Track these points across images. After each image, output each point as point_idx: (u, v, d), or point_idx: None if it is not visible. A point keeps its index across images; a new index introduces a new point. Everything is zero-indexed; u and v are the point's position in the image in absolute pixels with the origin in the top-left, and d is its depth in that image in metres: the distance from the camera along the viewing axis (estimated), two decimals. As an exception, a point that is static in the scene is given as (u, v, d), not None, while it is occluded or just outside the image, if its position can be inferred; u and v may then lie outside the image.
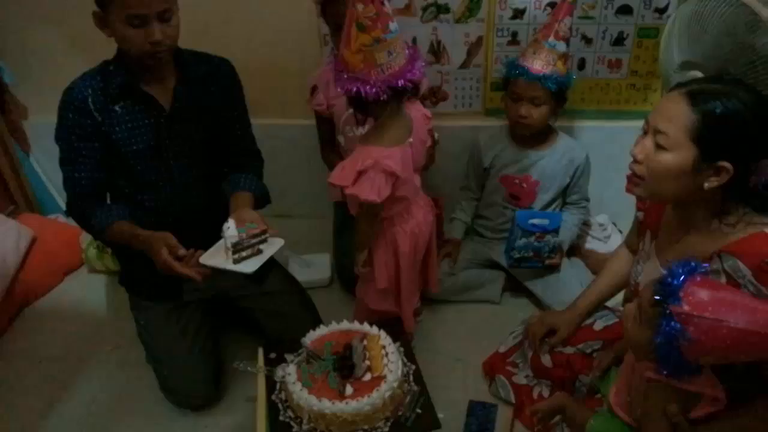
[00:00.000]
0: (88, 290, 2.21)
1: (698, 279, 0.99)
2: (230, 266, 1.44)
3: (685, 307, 0.95)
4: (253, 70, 1.98)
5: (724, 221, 1.14)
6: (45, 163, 2.51)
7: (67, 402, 1.76)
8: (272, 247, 1.50)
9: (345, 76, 1.37)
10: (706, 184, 1.10)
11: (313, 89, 2.03)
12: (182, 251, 1.45)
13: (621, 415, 1.22)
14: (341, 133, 2.06)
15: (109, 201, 1.66)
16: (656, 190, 1.17)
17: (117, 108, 1.53)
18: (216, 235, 1.48)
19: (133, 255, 1.57)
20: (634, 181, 1.20)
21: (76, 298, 2.18)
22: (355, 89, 1.36)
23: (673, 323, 0.96)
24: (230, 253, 1.43)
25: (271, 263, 1.81)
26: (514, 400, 1.61)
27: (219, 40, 1.91)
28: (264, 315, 1.79)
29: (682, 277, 0.98)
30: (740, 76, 1.58)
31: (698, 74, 1.64)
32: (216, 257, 1.46)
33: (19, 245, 2.13)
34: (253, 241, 1.46)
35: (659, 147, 1.13)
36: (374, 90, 1.35)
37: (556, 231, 1.93)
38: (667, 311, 0.97)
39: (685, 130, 1.09)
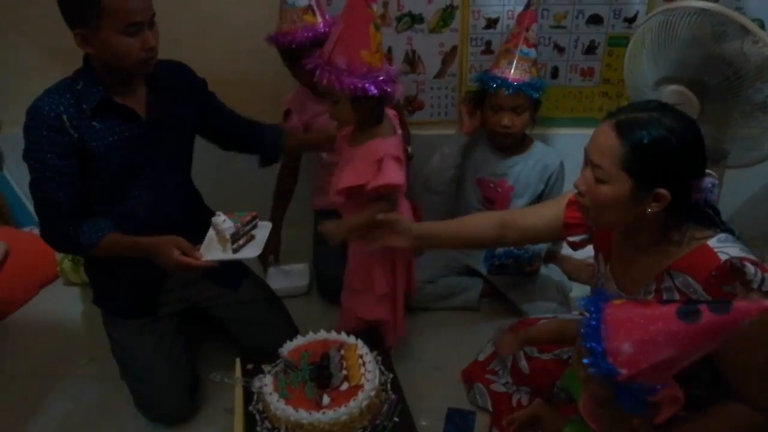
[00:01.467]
0: (64, 303, 2.18)
1: (610, 324, 0.98)
2: (234, 255, 1.49)
3: (624, 371, 0.95)
4: (229, 81, 1.98)
5: (670, 239, 1.17)
6: (19, 176, 2.47)
7: (41, 418, 1.72)
8: (263, 230, 1.56)
9: (370, 78, 1.37)
10: (648, 210, 1.13)
11: (287, 113, 2.02)
12: (198, 254, 1.45)
13: (593, 426, 1.23)
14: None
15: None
16: (601, 219, 1.21)
17: (95, 123, 1.50)
18: (197, 240, 1.50)
19: (105, 271, 1.55)
20: (581, 210, 1.25)
21: (52, 311, 2.15)
22: (387, 88, 1.39)
23: (627, 392, 0.97)
24: (229, 243, 1.48)
25: (245, 270, 1.82)
26: (491, 408, 1.62)
27: (194, 53, 1.91)
28: (238, 325, 1.79)
29: (595, 338, 0.97)
30: (717, 87, 1.63)
31: (681, 88, 1.68)
32: (214, 251, 1.49)
33: (-9, 260, 2.10)
34: (247, 228, 1.52)
35: (598, 180, 1.15)
36: (394, 84, 1.40)
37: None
38: (614, 384, 0.97)
39: (617, 163, 1.11)
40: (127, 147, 1.55)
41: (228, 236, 1.47)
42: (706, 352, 0.98)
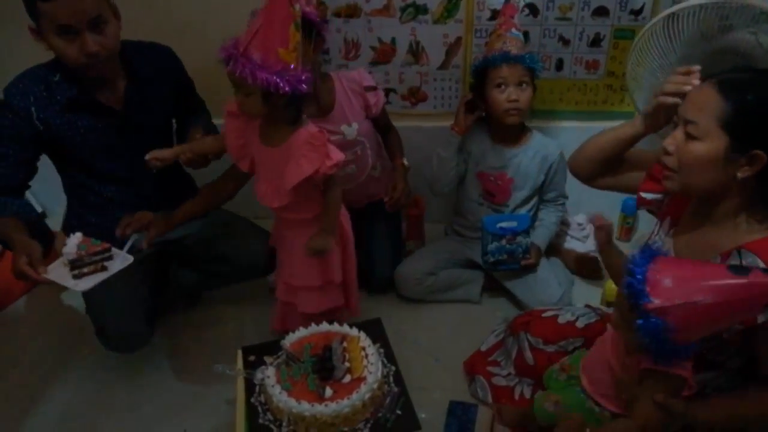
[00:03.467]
0: (66, 293, 2.17)
1: (657, 265, 1.01)
2: (68, 282, 1.42)
3: (656, 301, 0.97)
4: (217, 70, 1.97)
5: (753, 216, 1.14)
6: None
7: (43, 407, 1.73)
8: (118, 263, 1.48)
9: (284, 75, 1.35)
10: (739, 174, 1.10)
11: None
12: (42, 268, 1.40)
13: (603, 403, 1.26)
14: None
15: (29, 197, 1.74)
16: (688, 181, 1.15)
17: (68, 115, 1.55)
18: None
19: (78, 204, 1.69)
20: (666, 174, 1.19)
21: (53, 300, 2.14)
22: (300, 86, 1.37)
23: (651, 320, 0.97)
24: (68, 269, 1.42)
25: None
26: (491, 400, 1.62)
27: (196, 40, 1.89)
28: (213, 241, 1.85)
29: (641, 273, 0.99)
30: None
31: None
32: (59, 270, 1.44)
33: (-8, 249, 2.09)
34: (95, 258, 1.45)
35: (690, 137, 1.12)
36: (309, 85, 1.40)
37: (526, 232, 1.95)
38: (642, 310, 0.98)
39: (715, 119, 1.08)
40: (101, 138, 1.60)
41: (67, 261, 1.42)
42: (741, 315, 0.99)
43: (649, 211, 1.42)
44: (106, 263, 1.46)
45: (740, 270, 0.97)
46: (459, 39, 2.13)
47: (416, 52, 2.16)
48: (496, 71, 1.86)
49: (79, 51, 1.43)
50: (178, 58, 1.77)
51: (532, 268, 2.02)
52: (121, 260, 1.47)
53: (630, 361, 1.17)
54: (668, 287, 0.98)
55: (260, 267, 1.88)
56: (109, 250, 1.46)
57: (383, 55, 2.15)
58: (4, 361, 1.90)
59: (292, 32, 1.33)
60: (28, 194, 2.43)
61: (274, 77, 1.33)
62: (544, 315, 1.60)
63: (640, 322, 0.99)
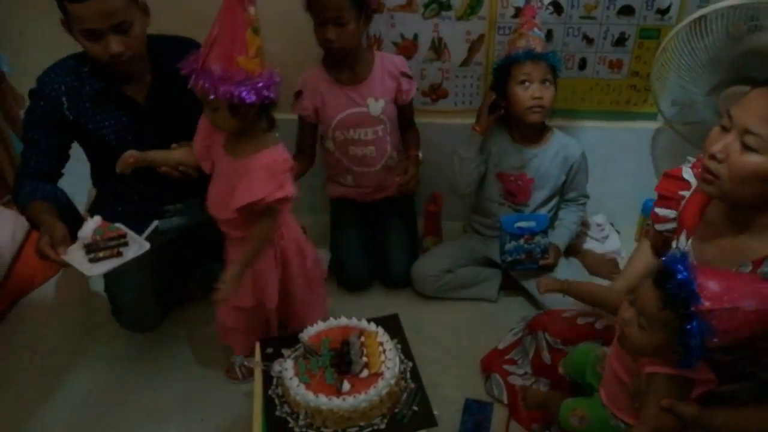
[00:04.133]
0: (86, 280, 2.19)
1: (698, 270, 1.00)
2: (82, 266, 1.42)
3: (706, 304, 0.97)
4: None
5: None
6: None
7: (62, 393, 1.75)
8: (133, 250, 1.47)
9: (248, 85, 1.29)
10: None
11: (298, 94, 2.00)
12: (61, 249, 1.42)
13: (623, 417, 1.24)
14: (330, 137, 2.04)
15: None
16: (734, 191, 1.10)
17: (95, 107, 1.59)
18: None
19: (106, 192, 1.72)
20: (707, 178, 1.13)
21: (74, 287, 2.16)
22: (267, 94, 1.32)
23: (698, 322, 0.97)
24: (83, 252, 1.43)
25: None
26: (506, 401, 1.62)
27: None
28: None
29: (689, 275, 0.98)
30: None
31: (744, 88, 1.65)
32: (76, 252, 1.44)
33: (15, 236, 2.12)
34: (110, 243, 1.45)
35: (747, 147, 1.06)
36: (276, 91, 1.34)
37: (544, 232, 1.94)
38: (688, 312, 0.97)
39: None
40: (125, 130, 1.63)
41: (82, 245, 1.42)
42: None
43: (663, 233, 1.40)
44: (121, 249, 1.46)
45: None
46: (482, 36, 2.12)
47: (438, 48, 2.16)
48: (519, 68, 1.85)
49: (104, 51, 1.47)
50: None
51: (550, 268, 2.01)
52: (137, 247, 1.47)
53: (636, 366, 1.17)
54: (716, 291, 0.98)
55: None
56: (124, 236, 1.46)
57: (405, 50, 2.14)
58: (27, 346, 1.93)
59: (249, 38, 1.26)
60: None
61: (237, 88, 1.27)
62: (563, 315, 1.60)
63: (690, 324, 0.98)
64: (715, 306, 0.97)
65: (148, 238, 1.51)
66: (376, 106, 1.97)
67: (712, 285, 0.98)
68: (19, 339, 1.96)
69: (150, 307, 1.76)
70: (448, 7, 2.07)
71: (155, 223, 1.54)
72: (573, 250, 2.18)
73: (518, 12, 2.06)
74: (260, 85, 1.30)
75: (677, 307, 1.00)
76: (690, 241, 1.27)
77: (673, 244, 1.33)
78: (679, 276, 0.99)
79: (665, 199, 1.37)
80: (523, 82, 1.85)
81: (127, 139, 1.64)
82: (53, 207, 1.57)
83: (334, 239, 2.21)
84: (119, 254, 1.46)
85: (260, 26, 1.28)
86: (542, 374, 1.59)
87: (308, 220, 2.40)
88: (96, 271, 1.42)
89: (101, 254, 1.44)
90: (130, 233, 1.48)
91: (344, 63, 1.95)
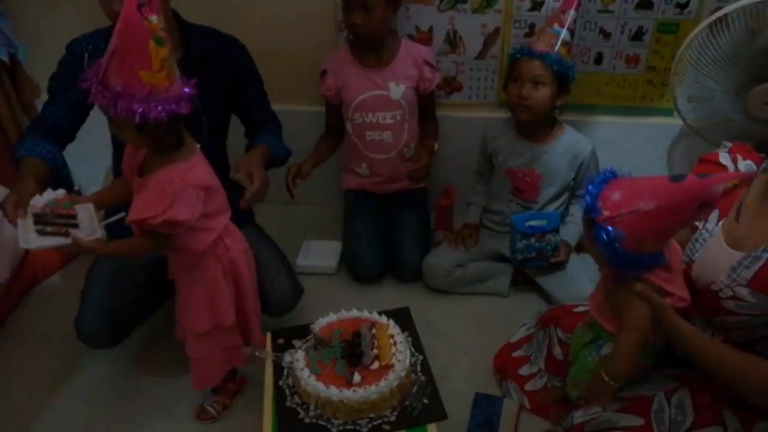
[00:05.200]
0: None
1: (611, 184, 1.11)
2: (26, 235, 1.30)
3: (605, 213, 1.07)
4: (267, 54, 1.97)
5: None
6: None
7: (75, 380, 1.77)
8: (82, 234, 1.31)
9: (152, 101, 1.18)
10: None
11: (323, 73, 2.03)
12: (21, 211, 1.32)
13: (601, 321, 1.31)
14: (349, 120, 2.06)
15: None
16: None
17: None
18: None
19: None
20: None
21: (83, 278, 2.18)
22: (173, 109, 1.21)
23: (602, 231, 1.07)
24: (31, 221, 1.32)
25: (244, 220, 1.81)
26: (529, 405, 1.61)
27: (235, 22, 1.90)
28: None
29: (595, 191, 1.10)
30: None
31: None
32: (29, 219, 1.32)
33: (30, 223, 2.14)
34: (58, 220, 1.32)
35: None
36: (187, 104, 1.24)
37: (556, 230, 1.93)
38: (595, 223, 1.09)
39: None
40: None
41: (30, 213, 1.31)
42: (684, 216, 1.08)
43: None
44: (70, 230, 1.32)
45: (678, 177, 1.07)
46: (497, 29, 2.11)
47: (453, 41, 2.15)
48: (516, 64, 1.86)
49: (109, 8, 1.44)
50: (244, 52, 1.76)
51: (561, 264, 2.00)
52: (87, 233, 1.32)
53: (606, 274, 1.25)
54: (617, 200, 1.08)
55: (286, 305, 1.78)
56: (74, 217, 1.32)
57: (420, 43, 2.13)
58: (40, 334, 1.95)
59: (152, 50, 1.15)
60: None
61: (139, 106, 1.17)
62: (575, 310, 1.59)
63: (594, 234, 1.09)
64: (614, 213, 1.06)
65: (113, 227, 1.39)
66: (397, 90, 1.99)
67: (616, 195, 1.08)
68: (33, 326, 1.99)
69: (100, 328, 1.66)
70: (464, 0, 2.06)
71: (121, 213, 1.37)
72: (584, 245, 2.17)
73: (535, 5, 2.04)
74: (167, 100, 1.20)
75: (585, 218, 1.12)
76: (721, 222, 1.26)
77: (699, 225, 1.31)
78: (588, 188, 1.11)
79: None
80: (515, 79, 1.85)
81: None
82: (45, 168, 1.52)
83: (347, 231, 2.21)
84: (66, 234, 1.31)
85: (165, 35, 1.17)
86: (554, 372, 1.58)
87: (321, 212, 2.42)
88: (34, 244, 1.30)
89: (48, 229, 1.32)
90: (90, 218, 1.34)
91: (369, 47, 1.98)
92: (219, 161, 1.76)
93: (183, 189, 1.28)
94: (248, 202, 1.56)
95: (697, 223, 1.32)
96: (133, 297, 1.70)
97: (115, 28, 1.14)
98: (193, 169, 1.32)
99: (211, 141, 1.71)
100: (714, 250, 1.23)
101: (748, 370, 1.11)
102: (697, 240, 1.29)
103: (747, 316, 1.15)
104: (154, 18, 1.14)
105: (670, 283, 1.17)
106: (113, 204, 1.45)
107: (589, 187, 1.12)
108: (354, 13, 1.85)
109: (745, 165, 1.30)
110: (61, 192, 1.36)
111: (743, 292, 1.14)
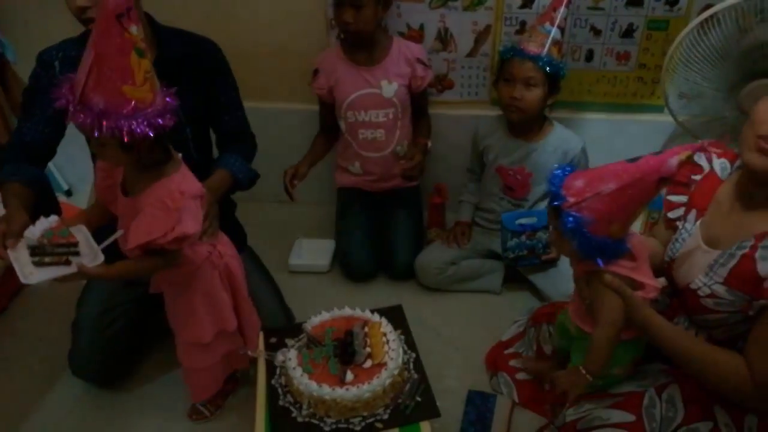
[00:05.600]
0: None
1: (573, 174, 1.15)
2: (24, 268, 1.23)
3: (570, 199, 1.10)
4: (258, 53, 1.97)
5: None
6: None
7: (67, 379, 1.75)
8: (85, 261, 1.24)
9: (138, 117, 1.12)
10: None
11: (315, 72, 2.03)
12: (11, 242, 1.25)
13: (578, 324, 1.33)
14: (342, 118, 2.06)
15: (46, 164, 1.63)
16: None
17: None
18: None
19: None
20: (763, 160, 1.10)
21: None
22: (160, 123, 1.15)
23: (568, 217, 1.10)
24: (27, 253, 1.24)
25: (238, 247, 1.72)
26: (517, 399, 1.61)
27: (224, 22, 1.90)
28: None
29: (559, 181, 1.13)
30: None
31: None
32: (21, 251, 1.25)
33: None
34: (59, 250, 1.24)
35: None
36: (172, 116, 1.19)
37: (546, 227, 1.93)
38: (560, 210, 1.11)
39: None
40: None
41: (27, 245, 1.23)
42: (642, 194, 1.10)
43: (673, 221, 1.39)
44: (72, 258, 1.24)
45: (636, 158, 1.11)
46: (488, 27, 2.11)
47: (445, 38, 2.14)
48: (507, 64, 1.86)
49: (73, 2, 1.39)
50: (219, 54, 1.69)
51: (553, 262, 2.00)
52: (90, 258, 1.25)
53: (577, 270, 1.27)
54: (580, 186, 1.11)
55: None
56: (75, 244, 1.24)
57: (411, 40, 2.12)
58: (30, 335, 1.94)
59: (134, 63, 1.09)
60: (54, 169, 2.51)
61: (126, 123, 1.10)
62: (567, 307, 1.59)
63: (560, 222, 1.11)
64: (579, 198, 1.10)
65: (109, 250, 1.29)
66: (389, 88, 1.99)
67: (578, 183, 1.12)
68: (23, 327, 1.98)
69: (96, 365, 1.66)
70: (455, -3, 2.06)
71: (120, 232, 1.31)
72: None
73: (526, 2, 2.04)
74: (152, 114, 1.14)
75: (551, 208, 1.15)
76: (699, 222, 1.27)
77: (679, 225, 1.32)
78: (550, 180, 1.14)
79: (677, 185, 1.36)
80: (507, 80, 1.86)
81: None
82: (30, 193, 1.45)
83: (340, 229, 2.21)
84: (68, 262, 1.24)
85: (145, 46, 1.11)
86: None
87: (314, 210, 2.42)
88: (35, 278, 1.21)
89: (47, 259, 1.23)
90: (87, 241, 1.26)
91: (361, 45, 1.98)
92: (206, 173, 1.65)
93: (186, 202, 1.24)
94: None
95: (677, 223, 1.33)
96: (123, 336, 1.68)
97: (92, 39, 1.08)
98: (186, 179, 1.29)
99: (195, 150, 1.67)
100: (692, 249, 1.24)
101: (707, 363, 1.14)
102: (677, 239, 1.31)
103: (725, 313, 1.16)
104: (134, 28, 1.08)
105: (637, 272, 1.20)
106: (96, 227, 1.37)
107: (552, 178, 1.15)
108: (345, 10, 1.84)
109: (719, 163, 1.30)
110: (54, 219, 1.28)
111: (720, 289, 1.15)
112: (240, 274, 1.51)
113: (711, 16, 1.69)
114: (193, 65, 1.61)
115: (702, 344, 1.20)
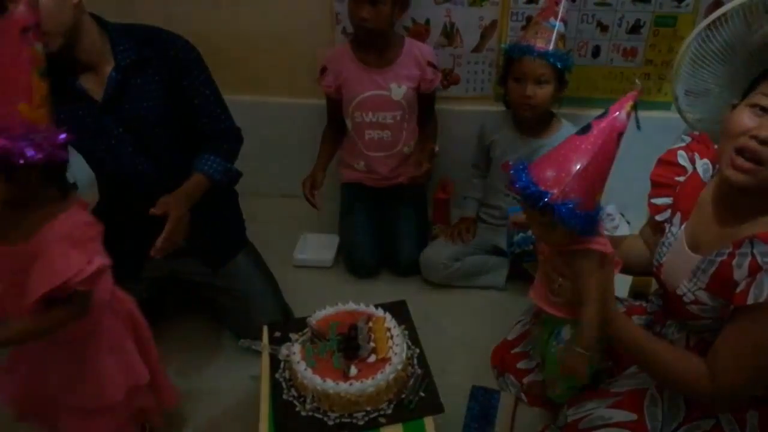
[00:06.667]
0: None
1: (532, 170, 1.14)
2: None
3: (554, 191, 1.09)
4: (263, 47, 1.96)
5: None
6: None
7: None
8: None
9: (29, 139, 1.00)
10: None
11: (323, 70, 2.02)
12: None
13: (550, 311, 1.32)
14: (349, 117, 2.05)
15: None
16: None
17: (53, 97, 1.46)
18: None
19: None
20: (747, 167, 1.05)
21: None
22: (60, 152, 1.06)
23: (562, 207, 1.09)
24: None
25: (234, 251, 1.77)
26: (526, 399, 1.61)
27: (230, 17, 1.89)
28: (220, 306, 1.81)
29: (528, 180, 1.12)
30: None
31: None
32: None
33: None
34: None
35: None
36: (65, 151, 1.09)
37: None
38: (548, 207, 1.10)
39: None
40: (83, 122, 1.50)
41: None
42: (610, 156, 1.11)
43: (660, 223, 1.36)
44: None
45: (585, 129, 1.11)
46: (494, 22, 2.10)
47: (450, 33, 2.14)
48: (517, 63, 1.84)
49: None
50: (183, 53, 1.57)
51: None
52: None
53: (550, 253, 1.27)
54: (553, 176, 1.10)
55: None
56: None
57: (416, 35, 2.12)
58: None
59: (35, 82, 1.02)
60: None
61: (17, 144, 0.98)
62: None
63: (557, 215, 1.09)
64: (561, 187, 1.08)
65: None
66: (399, 91, 1.98)
67: (549, 173, 1.11)
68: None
69: None
70: (461, -8, 2.05)
71: None
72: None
73: (532, -2, 2.04)
74: (48, 139, 1.03)
75: (540, 208, 1.11)
76: (683, 225, 1.25)
77: (667, 228, 1.30)
78: (519, 185, 1.12)
79: (661, 187, 1.35)
80: (517, 79, 1.85)
81: (86, 137, 1.52)
82: None
83: (344, 223, 2.21)
84: None
85: (45, 68, 1.03)
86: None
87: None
88: None
89: None
90: None
91: (373, 45, 1.96)
92: (173, 172, 1.61)
93: (93, 231, 1.13)
94: (158, 250, 1.46)
95: (665, 225, 1.32)
96: None
97: None
98: (84, 211, 1.18)
99: (167, 160, 1.62)
100: (678, 254, 1.22)
101: (664, 362, 1.15)
102: (663, 243, 1.29)
103: (709, 319, 1.14)
104: (39, 46, 1.00)
105: (608, 245, 1.20)
106: None
107: (518, 180, 1.13)
108: (362, 6, 1.81)
109: (701, 164, 1.28)
110: None
111: (703, 296, 1.13)
112: (143, 321, 1.37)
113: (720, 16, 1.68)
114: (153, 68, 1.54)
115: (659, 342, 1.19)
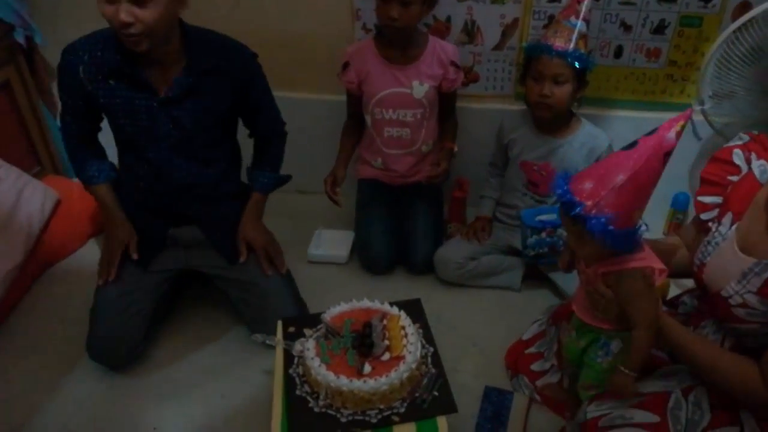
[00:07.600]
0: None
1: (573, 180, 1.16)
2: None
3: (588, 203, 1.10)
4: (284, 43, 1.95)
5: None
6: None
7: (87, 361, 1.76)
8: None
9: None
10: None
11: (346, 65, 2.01)
12: (134, 256, 1.63)
13: (594, 324, 1.32)
14: (369, 113, 2.04)
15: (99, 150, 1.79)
16: None
17: (111, 81, 1.56)
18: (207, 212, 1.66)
19: (122, 165, 1.72)
20: None
21: (97, 261, 2.19)
22: None
23: (593, 220, 1.10)
24: None
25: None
26: (539, 399, 1.60)
27: (251, 12, 1.89)
28: (236, 298, 1.82)
29: (565, 190, 1.14)
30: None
31: None
32: None
33: (44, 207, 2.14)
34: None
35: None
36: None
37: None
38: (581, 217, 1.11)
39: None
40: (138, 114, 1.59)
41: None
42: (653, 174, 1.11)
43: (705, 222, 1.34)
44: None
45: (632, 145, 1.12)
46: (516, 20, 2.08)
47: (471, 31, 2.12)
48: (535, 62, 1.82)
49: (113, 16, 1.38)
50: (252, 65, 1.70)
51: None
52: None
53: (593, 272, 1.25)
54: (591, 188, 1.11)
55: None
56: None
57: (437, 32, 2.11)
58: (51, 316, 1.96)
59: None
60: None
61: None
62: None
63: (588, 226, 1.10)
64: (595, 200, 1.10)
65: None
66: (420, 89, 1.96)
67: (587, 185, 1.12)
68: (45, 308, 1.99)
69: (117, 351, 1.70)
70: (483, -10, 2.03)
71: None
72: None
73: (555, -4, 2.01)
74: None
75: (572, 217, 1.13)
76: (735, 225, 1.22)
77: (713, 227, 1.28)
78: (557, 191, 1.14)
79: (711, 185, 1.32)
80: (535, 78, 1.83)
81: (141, 125, 1.61)
82: (113, 191, 1.74)
83: (359, 221, 2.20)
84: None
85: None
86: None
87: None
88: None
89: None
90: None
91: (397, 43, 1.95)
92: (212, 171, 1.74)
93: None
94: (275, 269, 1.79)
95: (710, 224, 1.29)
96: (140, 321, 1.72)
97: None
98: None
99: (201, 155, 1.70)
100: (726, 255, 1.20)
101: (719, 366, 1.15)
102: (709, 243, 1.26)
103: (757, 324, 1.13)
104: None
105: (649, 258, 1.20)
106: None
107: (559, 189, 1.15)
108: (392, 6, 1.79)
109: (758, 165, 1.25)
110: None
111: (753, 299, 1.11)
112: None
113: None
114: (223, 76, 1.62)
115: (712, 347, 1.19)
